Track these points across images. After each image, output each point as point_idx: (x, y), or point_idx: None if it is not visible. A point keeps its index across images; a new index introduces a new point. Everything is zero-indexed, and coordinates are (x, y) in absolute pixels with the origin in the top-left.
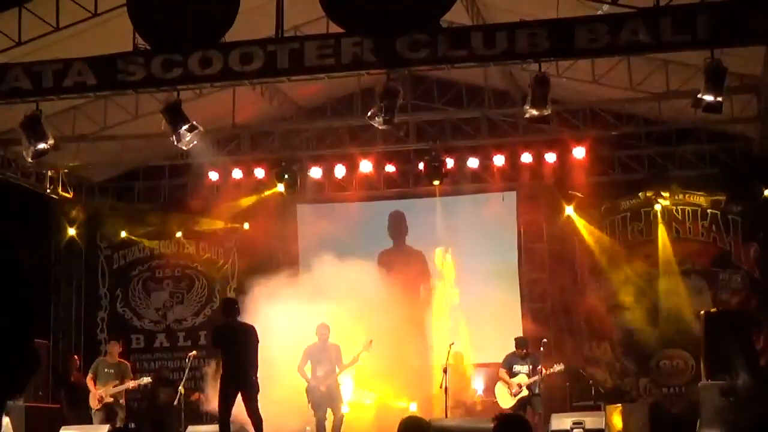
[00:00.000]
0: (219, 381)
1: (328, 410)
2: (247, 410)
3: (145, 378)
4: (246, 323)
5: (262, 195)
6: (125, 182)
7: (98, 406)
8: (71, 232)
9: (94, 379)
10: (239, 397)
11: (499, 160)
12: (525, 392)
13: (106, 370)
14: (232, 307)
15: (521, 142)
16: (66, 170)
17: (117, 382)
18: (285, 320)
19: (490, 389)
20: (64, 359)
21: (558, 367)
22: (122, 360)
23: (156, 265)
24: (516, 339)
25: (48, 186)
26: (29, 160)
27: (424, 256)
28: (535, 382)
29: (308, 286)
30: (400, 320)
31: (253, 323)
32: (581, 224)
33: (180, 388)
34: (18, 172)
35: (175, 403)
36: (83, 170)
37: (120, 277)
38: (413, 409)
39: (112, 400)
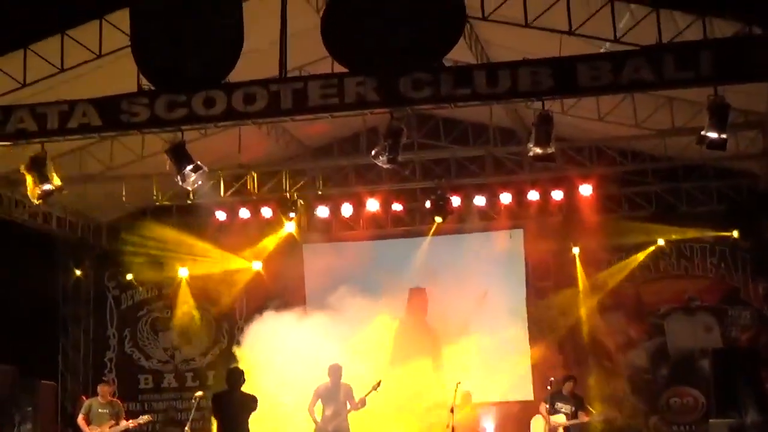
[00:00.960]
0: None
1: None
2: None
3: (143, 416)
4: (247, 395)
5: (273, 236)
6: (132, 222)
7: None
8: (78, 272)
9: (87, 420)
10: None
11: (505, 197)
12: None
13: (100, 410)
14: (237, 378)
15: (527, 180)
16: (73, 211)
17: (113, 422)
18: (293, 359)
19: (501, 428)
20: (72, 400)
21: (599, 418)
22: (114, 399)
23: (164, 305)
24: (563, 377)
25: (55, 226)
26: (35, 201)
27: (427, 295)
28: (575, 425)
29: (316, 325)
30: (407, 359)
31: (261, 363)
32: (588, 263)
33: (187, 429)
34: (25, 213)
35: None
36: (90, 210)
37: (128, 317)
38: None
39: None
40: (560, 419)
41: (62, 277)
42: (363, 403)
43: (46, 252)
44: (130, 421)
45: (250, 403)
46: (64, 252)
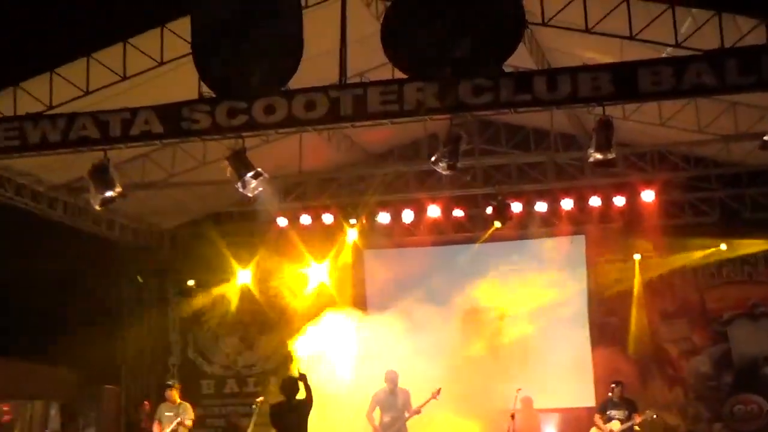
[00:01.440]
0: None
1: None
2: None
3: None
4: (301, 401)
5: (334, 242)
6: (194, 229)
7: None
8: (140, 278)
9: (160, 425)
10: None
11: (566, 203)
12: None
13: (167, 413)
14: (291, 387)
15: (589, 186)
16: (135, 217)
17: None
18: (354, 365)
19: None
20: (134, 405)
21: (651, 414)
22: (183, 401)
23: (225, 310)
24: (612, 383)
25: (117, 233)
26: (97, 207)
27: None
28: (627, 429)
29: (376, 328)
30: (468, 365)
31: (322, 369)
32: (649, 269)
33: None
34: (88, 220)
35: None
36: (152, 217)
37: (190, 322)
38: None
39: None
40: (615, 426)
41: (125, 283)
42: (419, 410)
43: (109, 258)
44: (175, 421)
45: (306, 408)
46: (126, 258)
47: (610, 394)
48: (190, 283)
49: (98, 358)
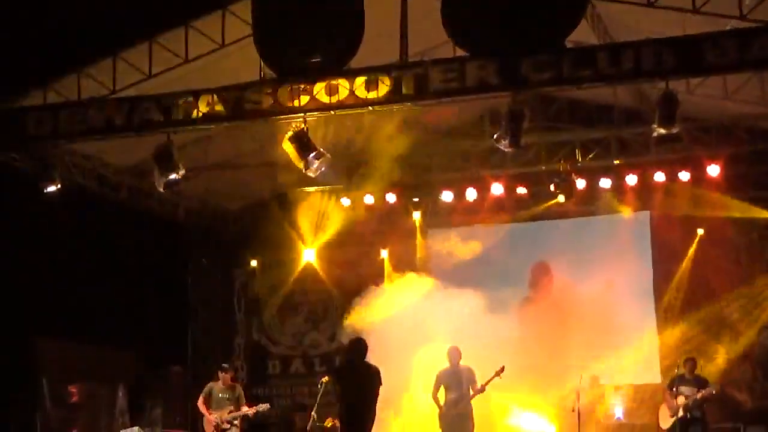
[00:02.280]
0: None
1: None
2: None
3: (262, 405)
4: (371, 366)
5: (398, 220)
6: (258, 209)
7: None
8: (205, 260)
9: (207, 404)
10: None
11: (631, 179)
12: (681, 413)
13: (220, 394)
14: (359, 349)
15: (653, 161)
16: (200, 199)
17: (232, 407)
18: (418, 344)
19: (630, 411)
20: (201, 385)
21: (711, 389)
22: (235, 383)
23: (291, 291)
24: (684, 360)
25: (182, 215)
26: (161, 190)
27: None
28: (693, 404)
29: (441, 310)
30: (533, 343)
31: (386, 349)
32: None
33: (313, 414)
34: (153, 202)
35: (309, 427)
36: (216, 199)
37: (255, 303)
38: None
39: (228, 426)
40: (681, 401)
41: (190, 265)
42: (483, 389)
43: (174, 240)
44: (249, 408)
45: (375, 375)
46: (191, 240)
47: (682, 370)
48: (255, 263)
49: (165, 340)
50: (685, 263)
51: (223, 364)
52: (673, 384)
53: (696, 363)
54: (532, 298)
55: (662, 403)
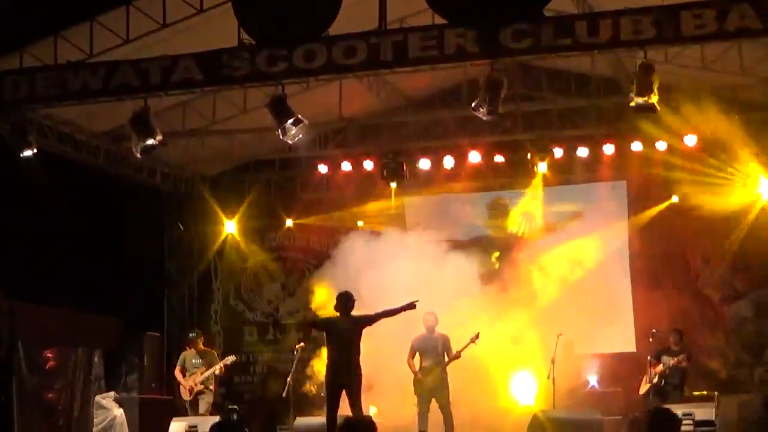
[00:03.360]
0: (324, 378)
1: (433, 402)
2: (350, 407)
3: (229, 357)
4: (355, 316)
5: (375, 188)
6: (235, 176)
7: (190, 397)
8: (182, 226)
9: (183, 371)
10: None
11: (608, 149)
12: (656, 380)
13: (193, 360)
14: (346, 302)
15: (631, 131)
16: (177, 165)
17: (205, 369)
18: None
19: (604, 379)
20: (177, 351)
21: (682, 358)
22: (207, 348)
23: (267, 258)
24: (669, 331)
25: (159, 181)
26: (138, 155)
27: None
28: (672, 370)
29: (417, 277)
30: (508, 310)
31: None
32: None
33: (289, 380)
34: (130, 168)
35: (284, 394)
36: (194, 165)
37: (232, 269)
38: (528, 402)
39: (202, 387)
40: (659, 369)
41: (167, 231)
42: (458, 355)
43: (151, 206)
44: (217, 366)
45: (359, 322)
46: (168, 206)
47: (669, 341)
48: (232, 230)
49: (141, 306)
50: (661, 233)
51: (190, 333)
52: (660, 354)
53: (682, 334)
54: (507, 266)
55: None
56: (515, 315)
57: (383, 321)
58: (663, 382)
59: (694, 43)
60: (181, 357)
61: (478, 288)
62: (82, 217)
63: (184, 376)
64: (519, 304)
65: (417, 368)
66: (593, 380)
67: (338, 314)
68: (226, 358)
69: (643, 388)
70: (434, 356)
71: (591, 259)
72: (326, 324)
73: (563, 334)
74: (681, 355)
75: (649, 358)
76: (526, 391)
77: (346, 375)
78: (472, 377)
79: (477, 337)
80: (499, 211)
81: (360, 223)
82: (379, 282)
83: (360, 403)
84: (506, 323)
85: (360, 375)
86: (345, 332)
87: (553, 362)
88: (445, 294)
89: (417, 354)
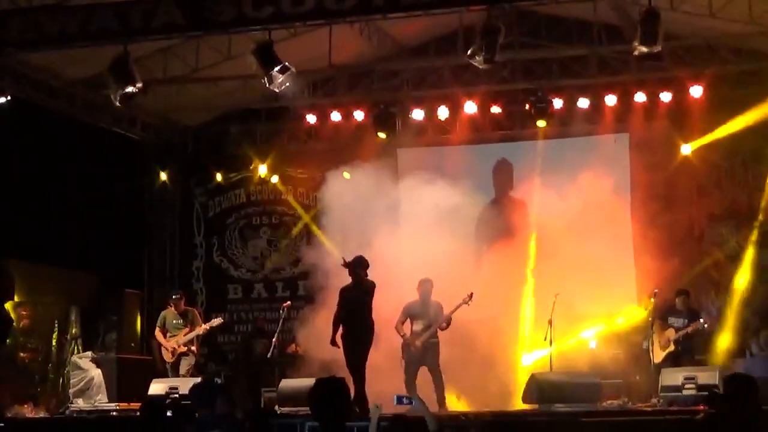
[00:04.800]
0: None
1: (422, 369)
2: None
3: (215, 320)
4: (367, 280)
5: (366, 139)
6: (219, 126)
7: (172, 359)
8: (164, 178)
9: (164, 332)
10: None
11: (610, 99)
12: (672, 347)
13: (174, 321)
14: (360, 266)
15: (634, 81)
16: (158, 114)
17: (187, 330)
18: (383, 274)
19: (604, 341)
20: (158, 309)
21: (702, 324)
22: (189, 307)
23: (253, 211)
24: (677, 291)
25: (139, 131)
26: (117, 103)
27: (527, 205)
28: (685, 336)
29: (408, 236)
30: (504, 270)
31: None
32: (697, 168)
33: (274, 340)
34: (109, 117)
35: (269, 355)
36: (176, 114)
37: (215, 224)
38: (525, 363)
39: (185, 349)
40: (671, 334)
41: (148, 184)
42: (449, 320)
43: (130, 157)
44: (202, 326)
45: (368, 287)
46: (149, 157)
47: (675, 302)
48: (215, 183)
49: (120, 261)
50: (664, 188)
51: (173, 294)
52: (666, 315)
53: (689, 295)
54: (504, 223)
55: (653, 335)
56: (512, 275)
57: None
58: (679, 348)
59: None
60: (161, 316)
61: (473, 245)
62: (58, 169)
63: (164, 336)
64: (516, 264)
65: (408, 332)
66: (593, 343)
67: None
68: (213, 320)
69: (658, 353)
70: (426, 321)
71: (591, 215)
72: (346, 289)
73: (561, 293)
74: (698, 320)
75: (650, 319)
76: (523, 353)
77: (353, 339)
78: (466, 339)
79: (470, 297)
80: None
81: (347, 175)
82: (371, 236)
83: (361, 368)
84: (502, 283)
85: (365, 340)
86: (356, 293)
87: (550, 323)
88: (439, 250)
89: (408, 320)
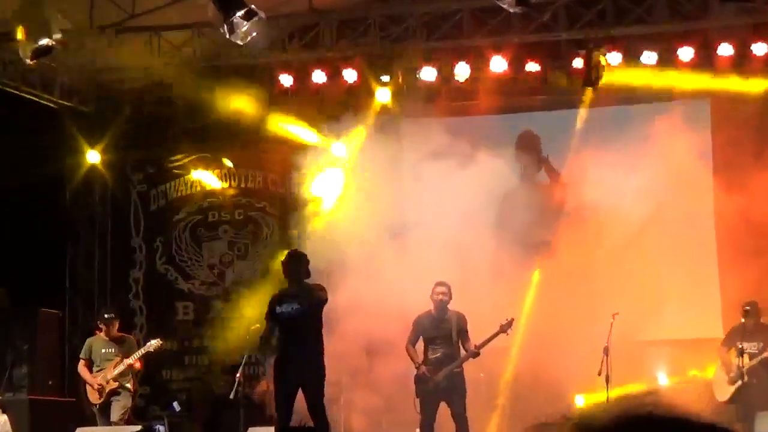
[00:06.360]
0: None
1: (442, 406)
2: (308, 408)
3: (152, 342)
4: (312, 285)
5: (359, 107)
6: (163, 90)
7: (100, 400)
8: (92, 159)
9: (89, 365)
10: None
11: (685, 53)
12: (744, 379)
13: (103, 350)
14: (298, 266)
15: (716, 29)
16: (83, 75)
17: (119, 361)
18: (386, 279)
19: (676, 374)
20: (83, 334)
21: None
22: (125, 334)
23: (209, 204)
24: (744, 305)
25: (58, 96)
26: (28, 61)
27: (568, 190)
28: (760, 364)
29: (417, 232)
30: (547, 284)
31: (344, 283)
32: None
33: (238, 375)
34: (18, 78)
35: (232, 396)
36: (106, 74)
37: (160, 221)
38: (580, 403)
39: (116, 385)
40: (746, 361)
41: (69, 168)
42: (476, 353)
43: (46, 131)
44: (135, 354)
45: (316, 295)
46: (71, 131)
47: (742, 320)
48: (158, 165)
49: (32, 271)
50: (757, 175)
51: (105, 315)
52: (734, 338)
53: (757, 308)
54: (545, 220)
55: (717, 366)
56: (557, 289)
57: (376, 294)
58: (753, 381)
59: None
60: (86, 345)
61: (495, 241)
62: None
63: (91, 371)
64: (562, 276)
65: (420, 359)
66: (662, 378)
67: (287, 285)
68: (149, 343)
69: (722, 390)
70: (446, 345)
71: (659, 210)
72: (280, 298)
73: (620, 313)
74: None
75: (721, 346)
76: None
77: (300, 370)
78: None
79: (510, 324)
80: (529, 143)
81: (340, 152)
82: (365, 231)
83: (322, 407)
84: (544, 300)
85: (321, 369)
86: (296, 312)
87: (606, 352)
88: (461, 255)
89: (421, 340)
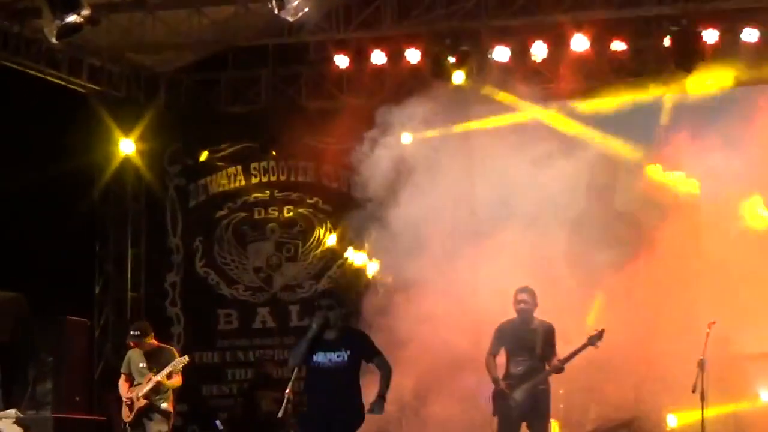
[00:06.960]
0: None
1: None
2: None
3: (180, 359)
4: (352, 329)
5: (423, 91)
6: (206, 73)
7: (130, 418)
8: (124, 149)
9: (130, 380)
10: None
11: None
12: None
13: (141, 364)
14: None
15: None
16: (114, 56)
17: (151, 375)
18: (457, 284)
19: None
20: (116, 346)
21: None
22: (163, 345)
23: (254, 201)
24: None
25: (86, 80)
26: (54, 40)
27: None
28: None
29: (492, 233)
30: (639, 289)
31: (405, 290)
32: None
33: (287, 392)
34: (41, 60)
35: (281, 414)
36: (140, 56)
37: (199, 219)
38: (672, 424)
39: (145, 403)
40: None
41: (99, 158)
42: (560, 367)
43: (73, 118)
44: (164, 371)
45: (354, 336)
46: (101, 118)
47: None
48: (202, 157)
49: (58, 276)
50: None
51: (131, 332)
52: None
53: None
54: (635, 218)
55: None
56: (650, 294)
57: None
58: None
59: None
60: (126, 358)
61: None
62: None
63: (131, 386)
64: (651, 280)
65: (501, 374)
66: (765, 395)
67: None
68: (178, 359)
69: None
70: (530, 358)
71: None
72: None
73: (717, 322)
74: None
75: None
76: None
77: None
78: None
79: (600, 336)
80: None
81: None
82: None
83: None
84: (631, 306)
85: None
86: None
87: (701, 366)
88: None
89: (503, 351)
